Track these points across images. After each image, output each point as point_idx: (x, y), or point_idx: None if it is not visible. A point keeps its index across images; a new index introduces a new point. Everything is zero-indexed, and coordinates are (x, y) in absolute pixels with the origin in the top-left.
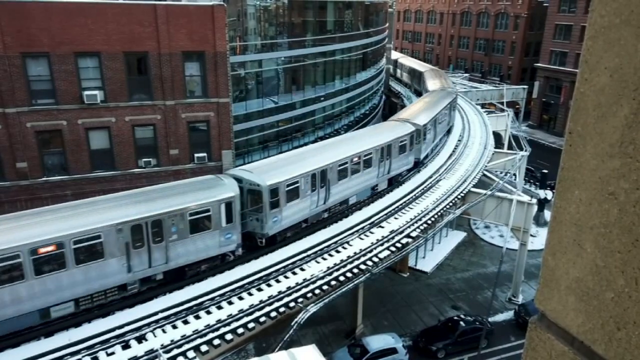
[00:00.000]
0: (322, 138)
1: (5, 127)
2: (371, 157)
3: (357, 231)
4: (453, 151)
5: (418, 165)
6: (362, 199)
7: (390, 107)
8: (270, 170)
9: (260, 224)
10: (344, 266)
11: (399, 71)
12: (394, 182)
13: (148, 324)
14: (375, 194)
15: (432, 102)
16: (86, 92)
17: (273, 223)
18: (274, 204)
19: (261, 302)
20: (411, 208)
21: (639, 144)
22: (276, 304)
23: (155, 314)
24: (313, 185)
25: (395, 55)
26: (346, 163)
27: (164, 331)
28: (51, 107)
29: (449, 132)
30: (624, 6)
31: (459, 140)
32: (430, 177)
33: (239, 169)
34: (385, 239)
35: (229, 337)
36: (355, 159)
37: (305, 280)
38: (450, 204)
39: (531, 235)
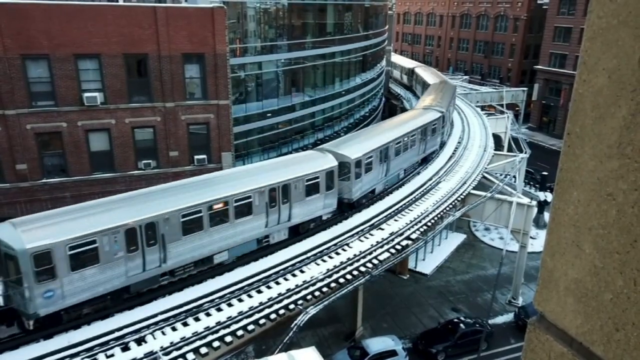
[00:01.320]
0: (322, 140)
1: (5, 128)
2: (251, 202)
3: (356, 233)
4: (453, 153)
5: (353, 207)
6: (240, 254)
7: (390, 109)
8: (48, 224)
9: (23, 301)
10: (344, 268)
11: (413, 83)
12: (302, 232)
13: (147, 326)
14: (264, 247)
15: (394, 126)
16: (86, 94)
17: (46, 299)
18: (44, 273)
19: (261, 304)
20: (411, 210)
21: (637, 145)
22: (276, 306)
23: (155, 316)
24: (132, 243)
25: (409, 63)
26: (199, 211)
27: (163, 333)
28: (51, 109)
29: (425, 160)
30: (622, 7)
31: (458, 143)
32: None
33: (7, 222)
34: (385, 241)
35: (228, 339)
36: (219, 205)
37: (305, 282)
38: (450, 206)
39: (531, 238)
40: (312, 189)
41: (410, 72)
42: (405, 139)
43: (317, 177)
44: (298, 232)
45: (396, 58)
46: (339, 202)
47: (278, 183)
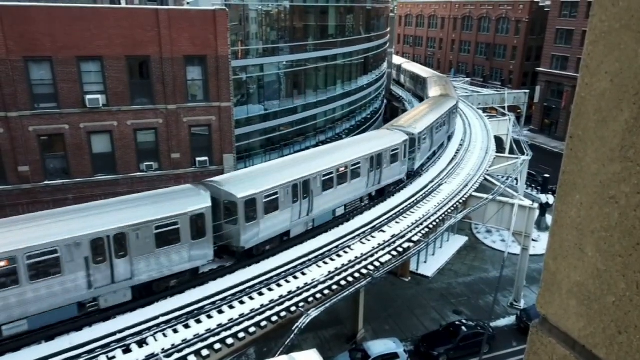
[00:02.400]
0: (323, 142)
1: (7, 130)
2: (58, 257)
3: (358, 235)
4: (454, 156)
5: (252, 255)
6: (49, 323)
7: (392, 111)
8: None
9: None
10: (345, 270)
11: (425, 94)
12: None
13: (149, 328)
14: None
15: (332, 151)
16: (88, 96)
17: None
18: None
19: (262, 306)
20: (413, 212)
21: None
22: (277, 308)
23: (157, 317)
24: None
25: (424, 72)
26: None
27: (165, 335)
28: (53, 111)
29: (381, 193)
30: (624, 11)
31: (460, 145)
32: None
33: None
34: (387, 244)
35: (230, 341)
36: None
37: (306, 284)
38: (452, 208)
39: (533, 240)
40: (168, 237)
41: (423, 82)
42: (343, 168)
43: (176, 223)
44: (152, 292)
45: (411, 66)
46: (227, 250)
47: (106, 232)
